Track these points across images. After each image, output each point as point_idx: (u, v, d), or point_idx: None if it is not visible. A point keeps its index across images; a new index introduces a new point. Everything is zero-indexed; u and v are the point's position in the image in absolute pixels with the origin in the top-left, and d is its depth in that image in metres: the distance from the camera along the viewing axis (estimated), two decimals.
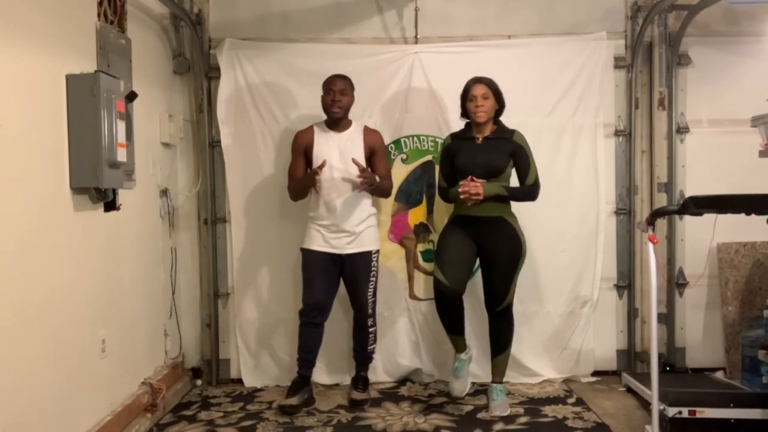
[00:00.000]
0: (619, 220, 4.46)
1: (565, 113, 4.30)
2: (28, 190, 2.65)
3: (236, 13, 4.38)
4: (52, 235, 2.81)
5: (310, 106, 4.13)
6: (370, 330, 3.97)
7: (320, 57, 4.25)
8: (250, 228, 4.28)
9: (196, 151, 4.41)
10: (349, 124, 3.89)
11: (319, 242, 3.85)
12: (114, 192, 3.26)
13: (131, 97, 3.25)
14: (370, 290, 3.90)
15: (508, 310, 3.80)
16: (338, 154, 3.80)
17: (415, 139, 4.29)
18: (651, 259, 3.08)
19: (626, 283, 4.47)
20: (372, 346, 4.01)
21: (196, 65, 4.32)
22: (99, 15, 3.23)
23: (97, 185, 3.01)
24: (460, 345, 3.81)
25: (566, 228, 4.32)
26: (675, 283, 4.38)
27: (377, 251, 3.94)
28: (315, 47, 4.31)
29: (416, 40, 4.34)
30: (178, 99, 4.32)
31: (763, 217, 3.22)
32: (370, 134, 3.92)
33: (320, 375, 4.24)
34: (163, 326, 4.07)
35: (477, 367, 4.15)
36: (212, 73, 4.31)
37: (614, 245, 4.45)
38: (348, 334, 4.20)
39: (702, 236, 4.07)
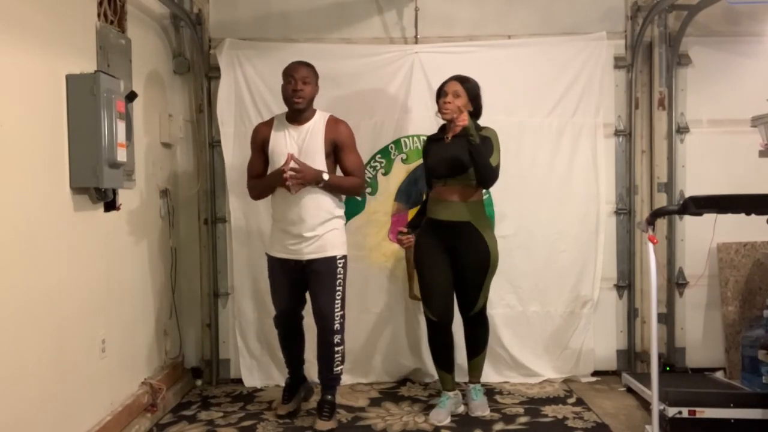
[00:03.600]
0: (619, 220, 4.46)
1: (565, 113, 4.30)
2: (28, 190, 2.65)
3: (236, 13, 4.38)
4: (52, 234, 2.81)
5: None
6: (337, 349, 3.51)
7: (320, 57, 4.22)
8: (250, 228, 4.28)
9: (196, 151, 4.41)
10: (311, 115, 3.52)
11: (278, 248, 3.52)
12: (114, 192, 3.27)
13: (131, 97, 3.25)
14: (337, 302, 3.47)
15: (482, 314, 3.74)
16: (296, 150, 3.43)
17: (415, 139, 4.28)
18: (651, 259, 3.08)
19: (626, 283, 4.47)
20: (339, 368, 3.56)
21: (196, 65, 4.32)
22: (99, 15, 3.23)
23: (97, 185, 3.01)
24: (448, 383, 3.75)
25: (566, 228, 4.32)
26: (675, 283, 4.38)
27: (344, 257, 3.52)
28: (315, 47, 4.30)
29: (416, 40, 4.34)
30: (178, 99, 4.32)
31: (763, 217, 3.22)
32: (333, 126, 3.51)
33: None
34: (163, 326, 4.07)
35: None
36: (212, 73, 4.31)
37: (614, 245, 4.45)
38: (350, 333, 4.20)
39: (702, 236, 4.06)
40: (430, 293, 3.66)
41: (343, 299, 3.53)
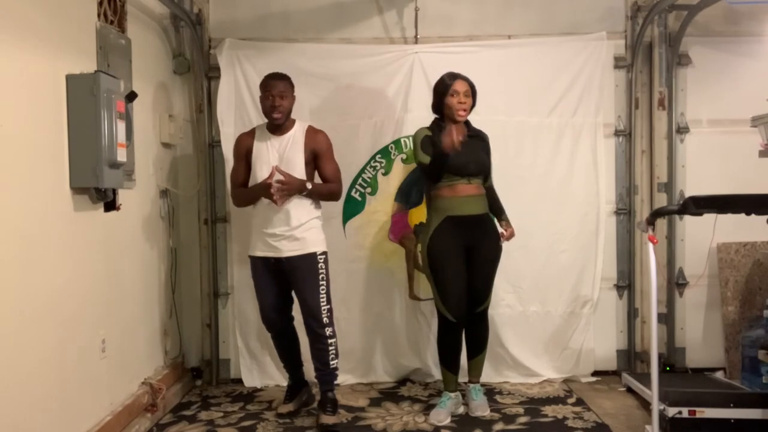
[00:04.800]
0: (619, 220, 4.46)
1: (565, 113, 4.31)
2: (28, 190, 2.65)
3: (236, 13, 4.39)
4: (52, 235, 2.81)
5: (310, 106, 4.14)
6: (330, 342, 3.59)
7: (320, 57, 4.26)
8: (250, 228, 4.27)
9: (196, 151, 4.41)
10: (291, 125, 3.64)
11: (261, 248, 3.62)
12: (114, 192, 3.26)
13: (131, 97, 3.25)
14: (322, 296, 3.56)
15: (486, 312, 3.79)
16: (277, 159, 3.57)
17: None
18: (651, 259, 3.08)
19: (626, 283, 4.47)
20: (334, 362, 3.61)
21: (196, 65, 4.32)
22: (99, 15, 3.23)
23: (97, 185, 3.00)
24: (451, 384, 3.75)
25: (566, 228, 4.32)
26: (675, 283, 4.38)
27: (324, 253, 3.62)
28: (315, 47, 4.31)
29: (416, 40, 4.34)
30: (178, 99, 4.33)
31: (763, 217, 3.22)
32: (312, 136, 3.63)
33: None
34: (163, 326, 4.07)
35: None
36: (212, 73, 4.32)
37: (614, 245, 4.45)
38: (350, 333, 4.21)
39: (702, 236, 4.06)
40: (451, 294, 3.63)
41: (328, 294, 3.60)
